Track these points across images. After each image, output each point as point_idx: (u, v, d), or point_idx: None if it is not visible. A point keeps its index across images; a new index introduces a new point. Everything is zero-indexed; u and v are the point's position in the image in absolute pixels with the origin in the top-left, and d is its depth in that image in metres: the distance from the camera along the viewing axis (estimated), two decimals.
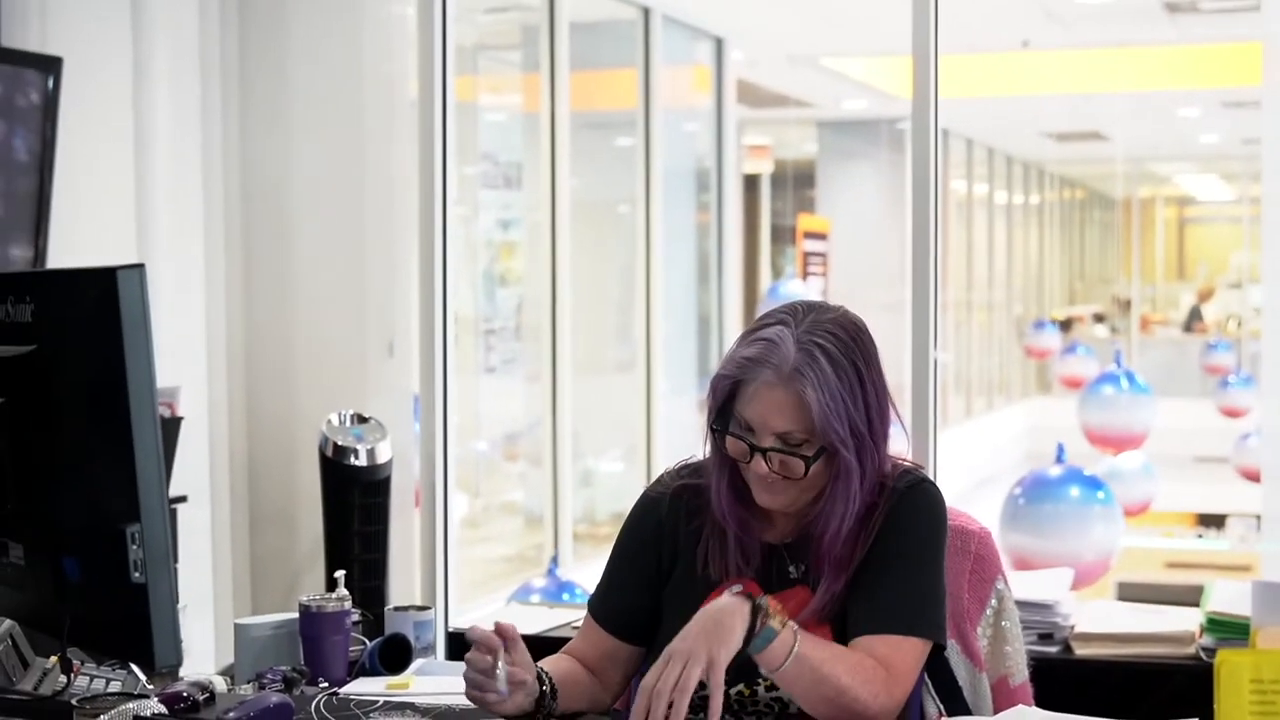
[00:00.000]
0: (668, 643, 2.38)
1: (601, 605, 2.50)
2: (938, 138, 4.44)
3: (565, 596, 6.20)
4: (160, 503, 1.83)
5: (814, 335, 2.29)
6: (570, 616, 3.90)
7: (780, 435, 2.29)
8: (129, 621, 1.85)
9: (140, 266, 1.85)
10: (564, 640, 2.56)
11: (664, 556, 2.46)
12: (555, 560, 6.59)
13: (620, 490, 9.09)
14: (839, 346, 2.29)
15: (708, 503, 2.41)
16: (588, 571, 6.80)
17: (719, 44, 9.83)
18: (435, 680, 2.66)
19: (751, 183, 15.17)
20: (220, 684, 2.48)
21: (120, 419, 1.82)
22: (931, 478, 2.44)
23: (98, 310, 1.84)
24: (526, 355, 8.48)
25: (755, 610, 2.13)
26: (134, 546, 1.82)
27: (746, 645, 2.12)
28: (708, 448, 2.41)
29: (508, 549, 8.61)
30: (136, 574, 1.82)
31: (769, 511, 2.39)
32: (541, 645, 2.51)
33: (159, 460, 1.83)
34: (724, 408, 2.35)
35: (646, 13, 8.75)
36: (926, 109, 4.38)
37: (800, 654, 2.15)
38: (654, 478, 2.59)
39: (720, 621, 2.11)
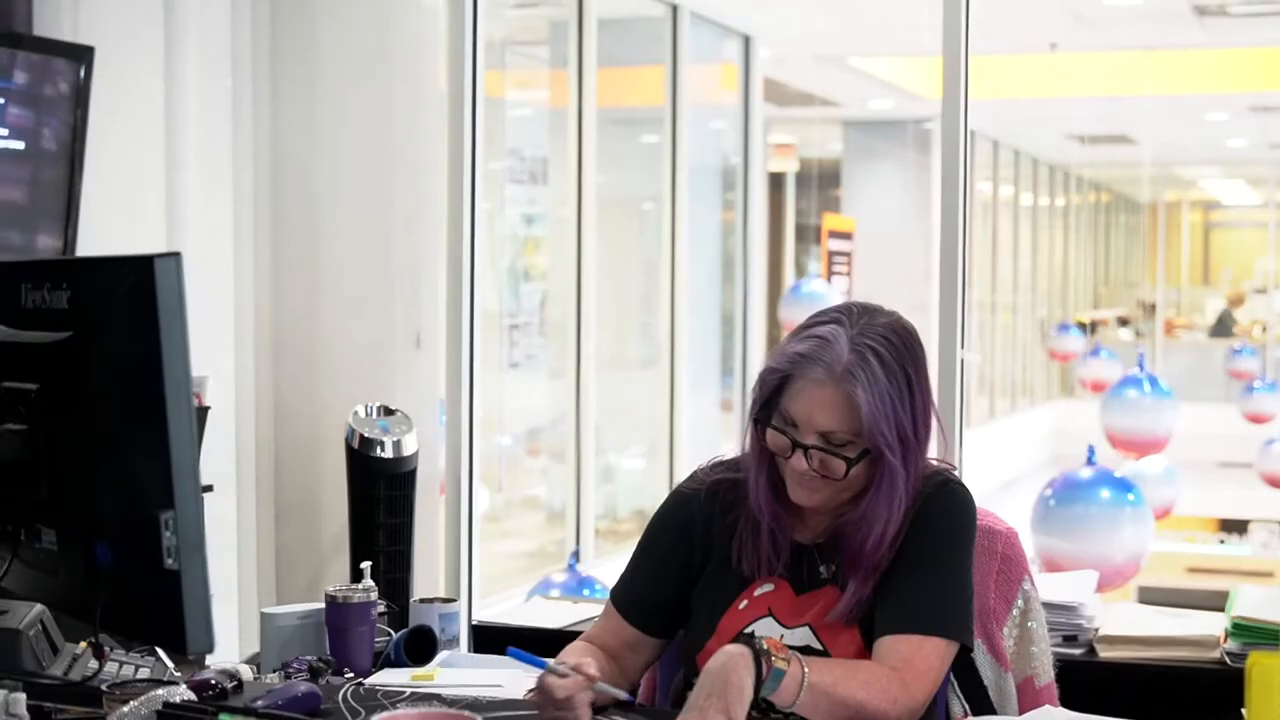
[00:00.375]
0: (698, 635, 2.40)
1: (624, 596, 2.50)
2: (967, 139, 4.44)
3: (586, 592, 6.21)
4: (194, 490, 1.84)
5: (867, 337, 2.29)
6: (592, 611, 3.90)
7: (824, 434, 2.30)
8: (161, 608, 1.86)
9: (177, 255, 1.86)
10: None
11: (695, 552, 2.46)
12: (576, 555, 6.60)
13: (642, 487, 9.10)
14: (891, 351, 2.30)
15: (743, 497, 2.42)
16: (608, 567, 6.81)
17: (747, 42, 9.82)
18: (460, 672, 2.67)
19: (776, 181, 15.16)
20: (246, 672, 2.48)
21: (155, 406, 1.83)
22: (960, 477, 2.45)
23: (134, 298, 1.85)
24: (549, 351, 8.49)
25: (759, 656, 2.13)
26: (167, 533, 1.83)
27: (758, 692, 2.13)
28: (747, 441, 2.41)
29: (529, 544, 8.62)
30: (170, 560, 1.83)
31: (801, 510, 2.39)
32: (563, 640, 2.52)
33: (193, 448, 1.84)
34: (768, 401, 2.35)
35: (675, 10, 8.75)
36: (956, 110, 4.38)
37: (812, 683, 2.16)
38: (676, 474, 2.62)
39: (727, 679, 2.11)
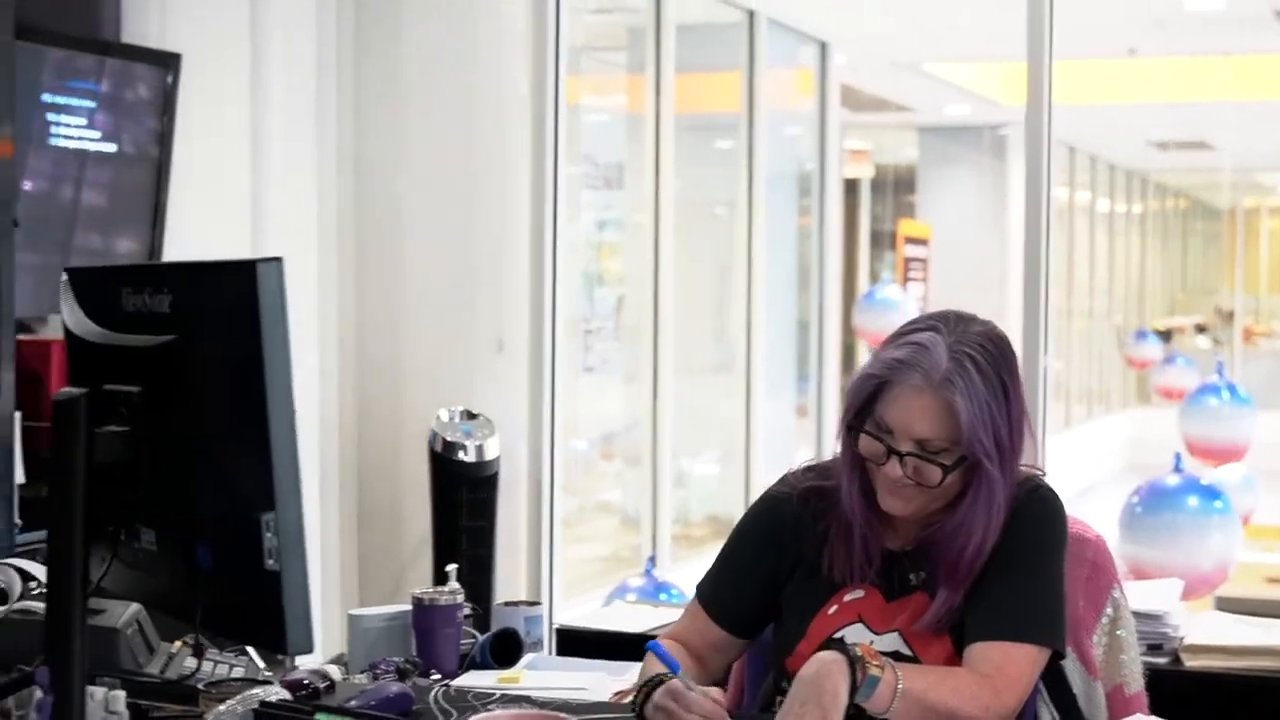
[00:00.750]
0: (787, 638, 2.40)
1: (712, 596, 2.51)
2: (1050, 145, 4.42)
3: (662, 596, 6.21)
4: (295, 492, 1.86)
5: (965, 345, 2.30)
6: (670, 616, 3.90)
7: (919, 441, 2.30)
8: (261, 608, 1.88)
9: (279, 260, 1.88)
10: None
11: (785, 557, 2.47)
12: (653, 560, 6.60)
13: (715, 492, 9.09)
14: (988, 359, 2.30)
15: (834, 504, 2.42)
16: (684, 572, 6.81)
17: (823, 48, 9.81)
18: (545, 675, 2.69)
19: (851, 187, 15.13)
20: (335, 673, 2.51)
21: (257, 409, 1.85)
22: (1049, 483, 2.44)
23: (237, 302, 1.87)
24: (624, 356, 8.50)
25: (853, 663, 2.13)
26: (268, 534, 1.85)
27: (852, 698, 2.13)
28: (838, 447, 2.42)
29: (602, 549, 8.63)
30: (270, 561, 1.86)
31: (891, 517, 2.40)
32: (642, 644, 2.52)
33: (294, 450, 1.87)
34: (863, 408, 2.36)
35: (752, 16, 8.75)
36: (1040, 116, 4.37)
37: (905, 690, 2.16)
38: (751, 480, 2.62)
39: (822, 686, 2.11)
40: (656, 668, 2.28)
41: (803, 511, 2.46)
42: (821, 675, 2.12)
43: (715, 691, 2.19)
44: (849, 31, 9.96)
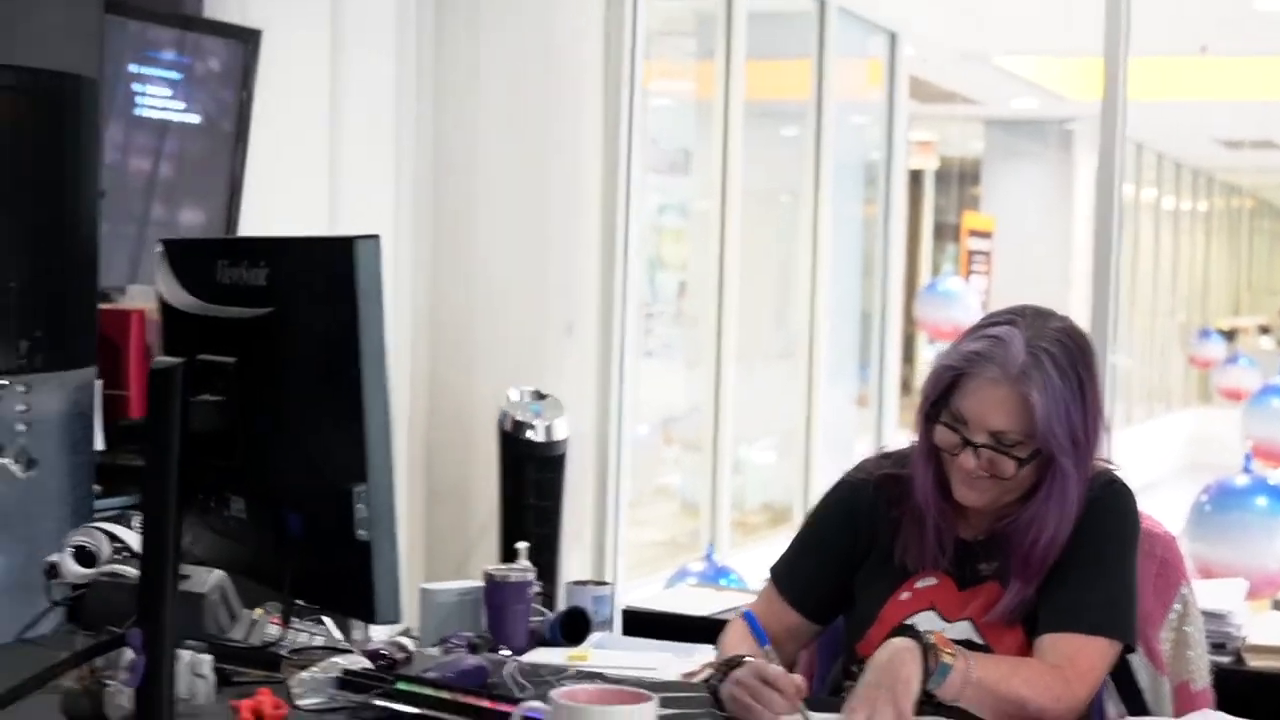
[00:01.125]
0: (859, 623, 2.43)
1: (788, 579, 2.54)
2: (1123, 141, 4.42)
3: (722, 582, 6.24)
4: (387, 465, 1.89)
5: (1042, 340, 2.32)
6: (735, 600, 3.93)
7: (995, 433, 2.32)
8: (350, 577, 1.91)
9: (375, 237, 1.91)
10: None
11: (859, 541, 2.50)
12: (713, 545, 6.63)
13: (773, 480, 9.10)
14: (1065, 354, 2.32)
15: (908, 492, 2.44)
16: (743, 558, 6.84)
17: (893, 38, 9.79)
18: (612, 654, 2.71)
19: (914, 178, 15.09)
20: (410, 645, 2.55)
21: (351, 383, 1.88)
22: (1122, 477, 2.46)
23: (333, 277, 1.90)
24: (684, 340, 8.51)
25: (926, 649, 2.15)
26: (360, 505, 1.89)
27: (923, 685, 2.15)
28: (914, 435, 2.44)
29: (661, 533, 8.66)
30: (361, 532, 1.89)
31: (965, 507, 2.42)
32: (707, 627, 2.56)
33: (387, 425, 1.90)
34: (940, 398, 2.38)
35: (822, 4, 8.74)
36: (1115, 111, 4.37)
37: (977, 679, 2.18)
38: (811, 469, 2.65)
39: (895, 672, 2.13)
40: (735, 646, 2.31)
41: (877, 497, 2.49)
42: (895, 661, 2.15)
43: (799, 678, 2.21)
44: (918, 22, 9.94)
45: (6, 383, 2.28)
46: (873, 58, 9.82)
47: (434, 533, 4.74)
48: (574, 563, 4.63)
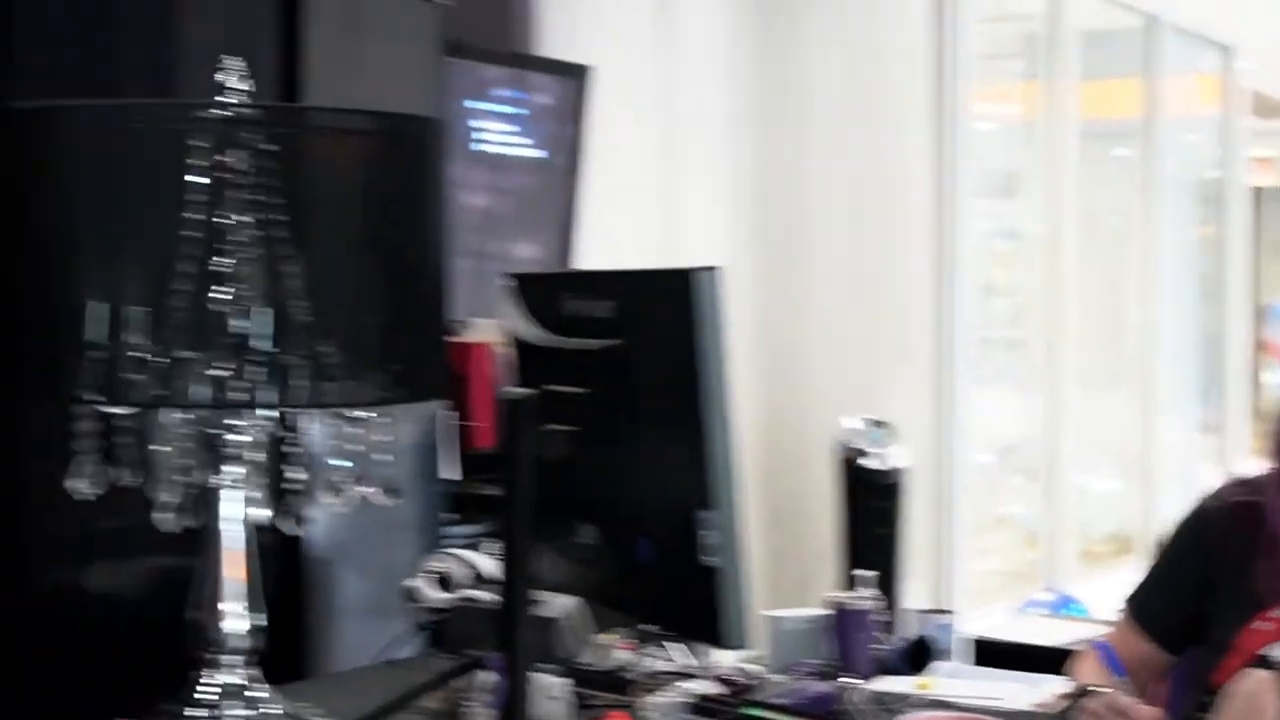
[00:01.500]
0: (1211, 652, 2.36)
1: (1142, 606, 2.51)
2: None
3: (1064, 612, 6.11)
4: (732, 492, 1.92)
5: None
6: (1081, 632, 3.86)
7: None
8: (697, 603, 1.94)
9: (715, 269, 1.94)
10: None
11: (1213, 568, 2.44)
12: (1053, 575, 6.50)
13: (1116, 509, 8.86)
14: None
15: (1264, 519, 2.38)
16: (1089, 588, 6.68)
17: (1226, 52, 9.49)
18: (957, 683, 2.69)
19: (1256, 195, 14.57)
20: (756, 671, 2.57)
21: (695, 412, 1.92)
22: None
23: (675, 308, 1.94)
24: (1016, 366, 8.38)
25: None
26: (706, 531, 1.92)
27: None
28: (1267, 462, 2.38)
29: (999, 562, 8.52)
30: (708, 557, 1.92)
31: None
32: (1052, 657, 2.53)
33: (731, 451, 1.92)
34: None
35: (1152, 21, 8.53)
36: None
37: None
38: (1154, 498, 2.59)
39: (1252, 704, 2.09)
40: (1087, 676, 2.27)
41: (1232, 524, 2.43)
42: (1255, 693, 2.10)
43: (1155, 710, 2.17)
44: (1254, 35, 9.61)
45: (370, 415, 2.38)
46: (1206, 73, 9.53)
47: (771, 560, 4.75)
48: (911, 591, 4.58)
